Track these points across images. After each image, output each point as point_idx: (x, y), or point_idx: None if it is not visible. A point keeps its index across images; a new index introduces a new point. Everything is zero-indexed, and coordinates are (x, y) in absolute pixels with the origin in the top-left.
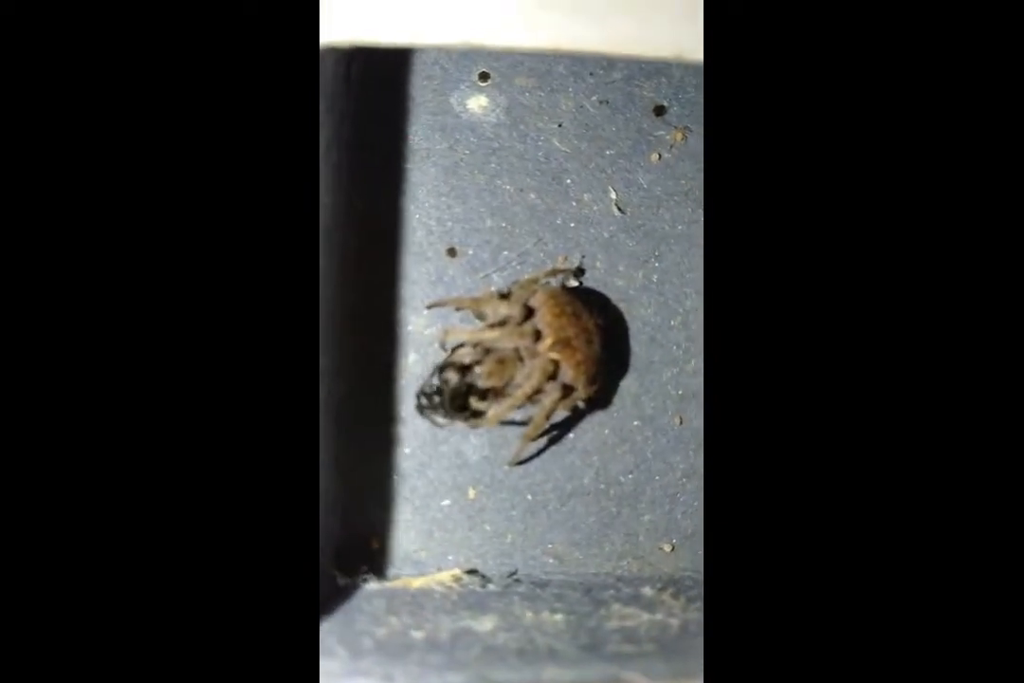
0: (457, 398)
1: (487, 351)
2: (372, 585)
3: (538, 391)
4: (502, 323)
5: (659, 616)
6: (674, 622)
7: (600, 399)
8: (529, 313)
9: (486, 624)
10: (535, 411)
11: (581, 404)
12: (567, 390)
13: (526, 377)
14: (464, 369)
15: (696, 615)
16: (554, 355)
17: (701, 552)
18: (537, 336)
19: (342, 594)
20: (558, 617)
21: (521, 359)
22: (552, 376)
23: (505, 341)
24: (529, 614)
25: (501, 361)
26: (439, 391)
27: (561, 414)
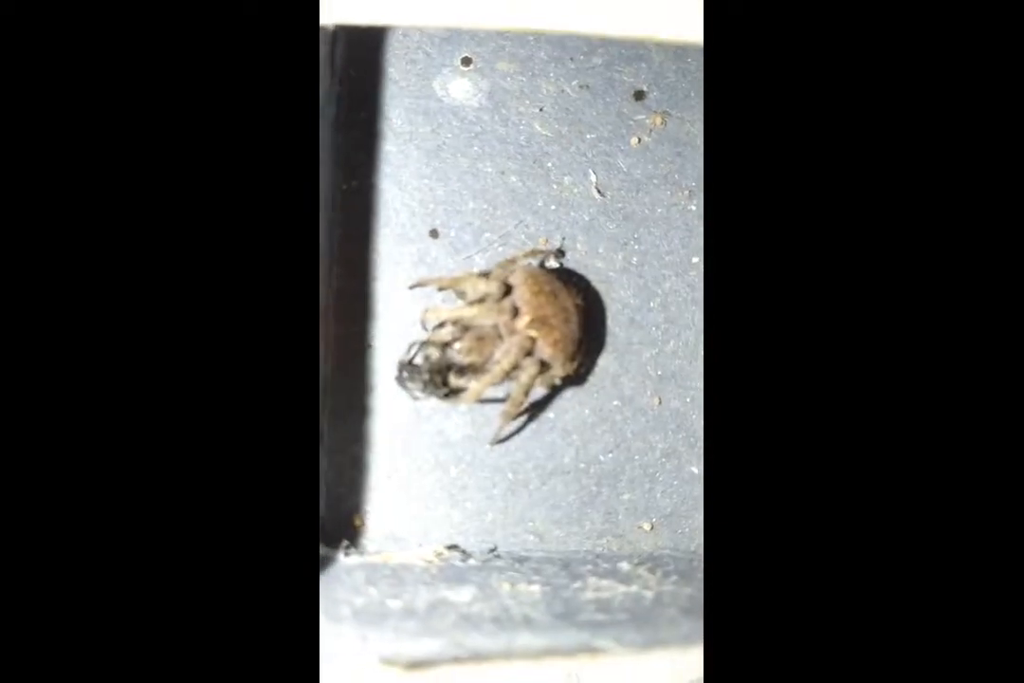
0: (437, 373)
1: (466, 328)
2: (353, 558)
3: (516, 367)
4: (481, 300)
5: (634, 588)
6: (648, 594)
7: (578, 377)
8: (508, 291)
9: (463, 595)
10: (514, 388)
11: (558, 381)
12: (545, 366)
13: (504, 354)
14: (444, 346)
15: (671, 588)
16: (531, 332)
17: (680, 531)
18: (515, 313)
19: (323, 565)
20: (534, 588)
21: (500, 337)
22: (529, 353)
23: (484, 317)
24: (506, 585)
25: (480, 338)
26: (419, 364)
27: (540, 392)
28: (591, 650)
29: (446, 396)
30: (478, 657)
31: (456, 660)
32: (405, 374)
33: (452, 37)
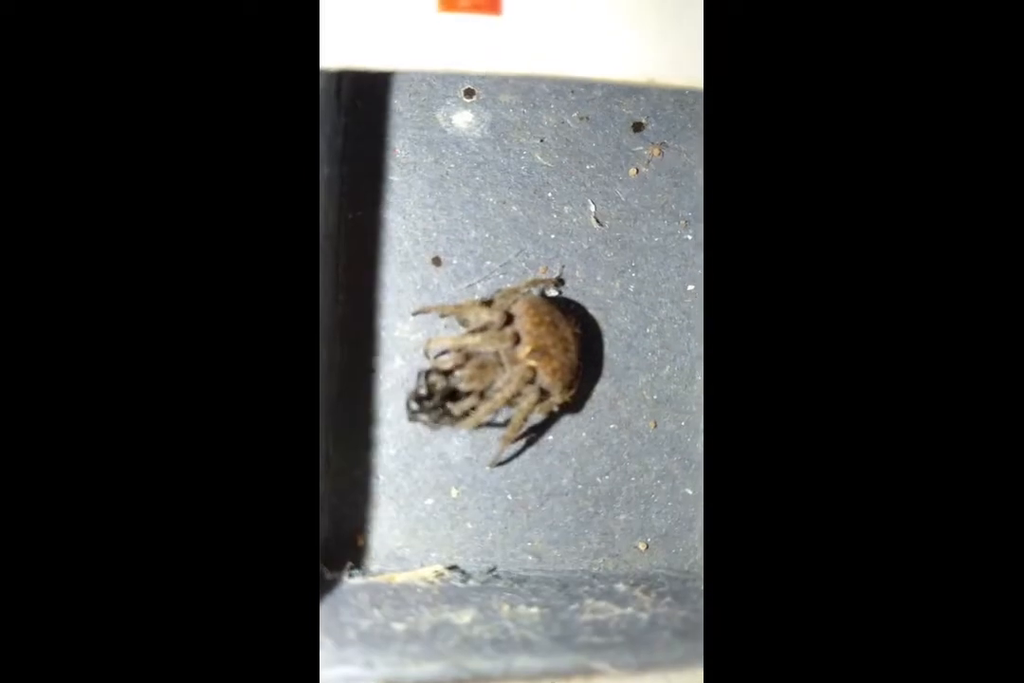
0: (442, 400)
1: (468, 356)
2: (357, 580)
3: (516, 395)
4: (483, 329)
5: (629, 610)
6: (643, 616)
7: (575, 403)
8: (509, 319)
9: (464, 617)
10: (514, 414)
11: (556, 408)
12: (544, 394)
13: (506, 382)
14: (446, 373)
15: (665, 610)
16: (532, 362)
17: (674, 550)
18: (516, 341)
19: (328, 587)
20: (533, 610)
21: (501, 364)
22: (530, 381)
23: (486, 345)
24: (506, 607)
25: (482, 366)
26: (430, 395)
27: (538, 417)
28: (587, 672)
29: (449, 421)
30: (478, 679)
31: (457, 682)
32: (416, 407)
33: (456, 72)
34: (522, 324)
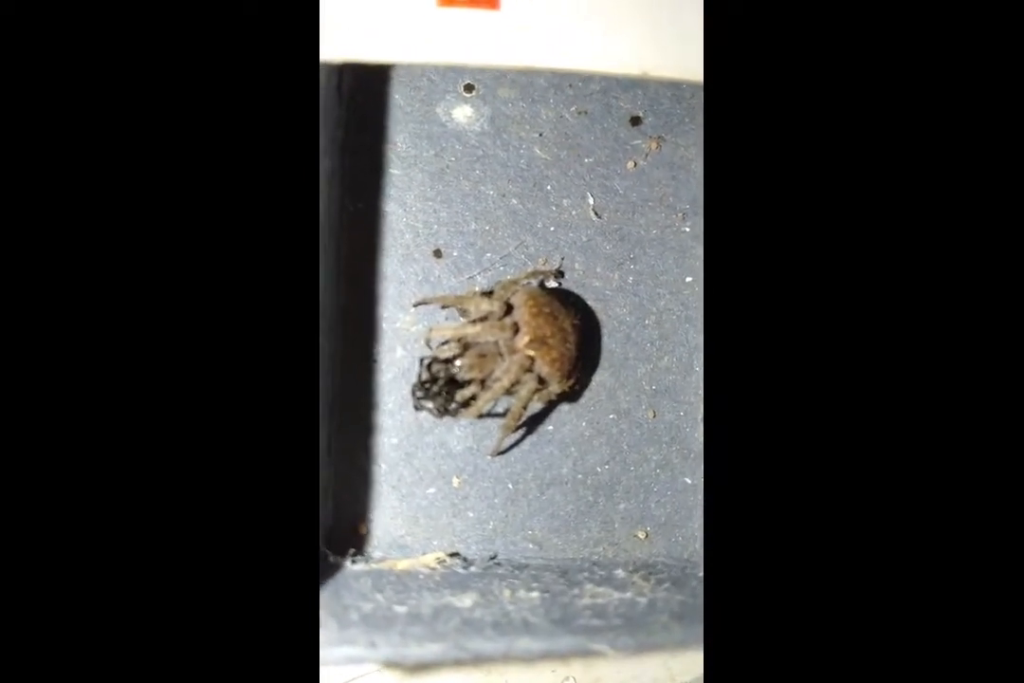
0: (445, 389)
1: (468, 345)
2: (359, 566)
3: (516, 384)
4: (483, 319)
5: (629, 595)
6: (642, 600)
7: (574, 393)
8: (509, 309)
9: (466, 601)
10: (514, 403)
11: (555, 397)
12: (542, 383)
13: (504, 371)
14: (447, 362)
15: (664, 594)
16: (530, 352)
17: (673, 539)
18: (515, 330)
19: (331, 572)
20: (534, 594)
21: (500, 354)
22: (528, 370)
23: (486, 335)
24: (507, 592)
25: (481, 355)
26: (433, 380)
27: (538, 406)
28: (586, 654)
29: (453, 409)
30: (479, 660)
31: (457, 663)
32: (420, 394)
33: (455, 65)
34: (521, 314)
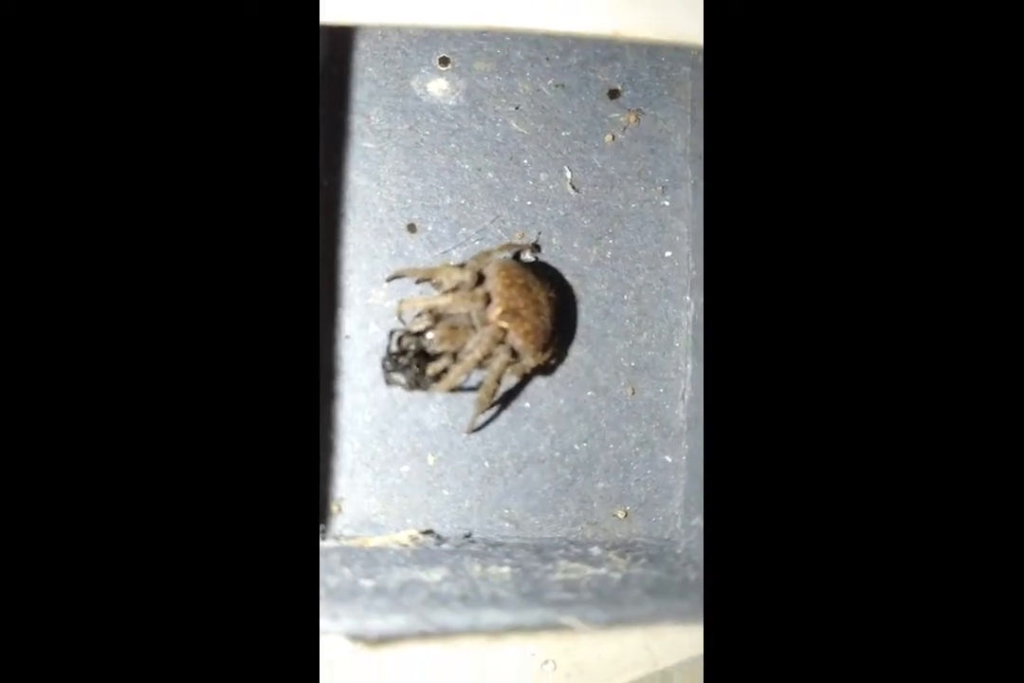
0: (416, 361)
1: (439, 317)
2: (329, 542)
3: (488, 356)
4: (455, 289)
5: (603, 571)
6: (616, 576)
7: (549, 367)
8: (481, 280)
9: (434, 575)
10: (486, 376)
11: (529, 370)
12: (515, 356)
13: (476, 344)
14: (418, 335)
15: (639, 570)
16: (503, 323)
17: (653, 519)
18: (487, 301)
19: None
20: (504, 569)
21: (473, 327)
22: (501, 341)
23: (457, 306)
24: (477, 567)
25: (453, 327)
26: (403, 352)
27: (513, 381)
28: (556, 627)
29: (424, 383)
30: (444, 633)
31: (423, 635)
32: (389, 366)
33: (430, 37)
34: (493, 285)
